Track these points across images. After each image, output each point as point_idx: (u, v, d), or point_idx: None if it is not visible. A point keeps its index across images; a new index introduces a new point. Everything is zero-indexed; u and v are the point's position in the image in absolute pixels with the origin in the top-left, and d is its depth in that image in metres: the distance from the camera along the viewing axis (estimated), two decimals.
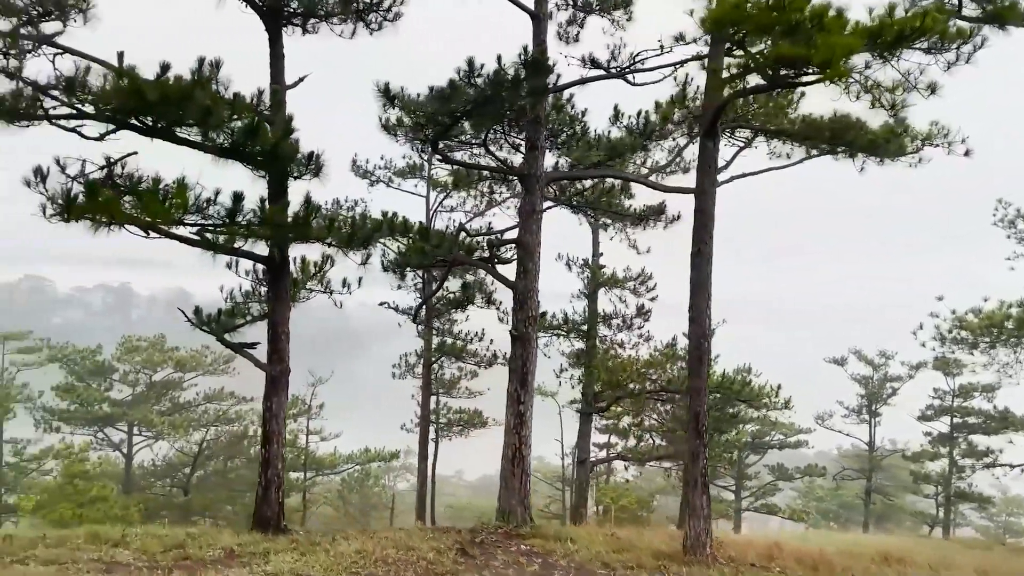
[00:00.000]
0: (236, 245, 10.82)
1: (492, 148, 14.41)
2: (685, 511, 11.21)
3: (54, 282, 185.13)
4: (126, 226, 9.14)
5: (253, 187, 10.84)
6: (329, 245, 10.65)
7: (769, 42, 8.99)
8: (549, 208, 23.12)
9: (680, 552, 10.77)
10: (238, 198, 9.03)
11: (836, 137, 12.69)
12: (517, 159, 15.13)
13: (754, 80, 10.62)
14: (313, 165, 10.15)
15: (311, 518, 42.08)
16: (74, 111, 9.23)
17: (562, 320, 24.93)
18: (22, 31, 9.43)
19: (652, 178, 17.07)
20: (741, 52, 10.07)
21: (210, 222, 9.57)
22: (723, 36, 10.53)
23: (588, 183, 18.88)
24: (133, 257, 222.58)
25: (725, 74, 10.95)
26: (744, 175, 14.73)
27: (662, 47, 12.71)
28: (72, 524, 30.45)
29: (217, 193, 9.22)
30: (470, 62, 10.94)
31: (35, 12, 9.53)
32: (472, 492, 74.10)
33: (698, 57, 13.24)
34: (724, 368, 26.06)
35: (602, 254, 26.05)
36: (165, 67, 8.96)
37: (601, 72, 13.35)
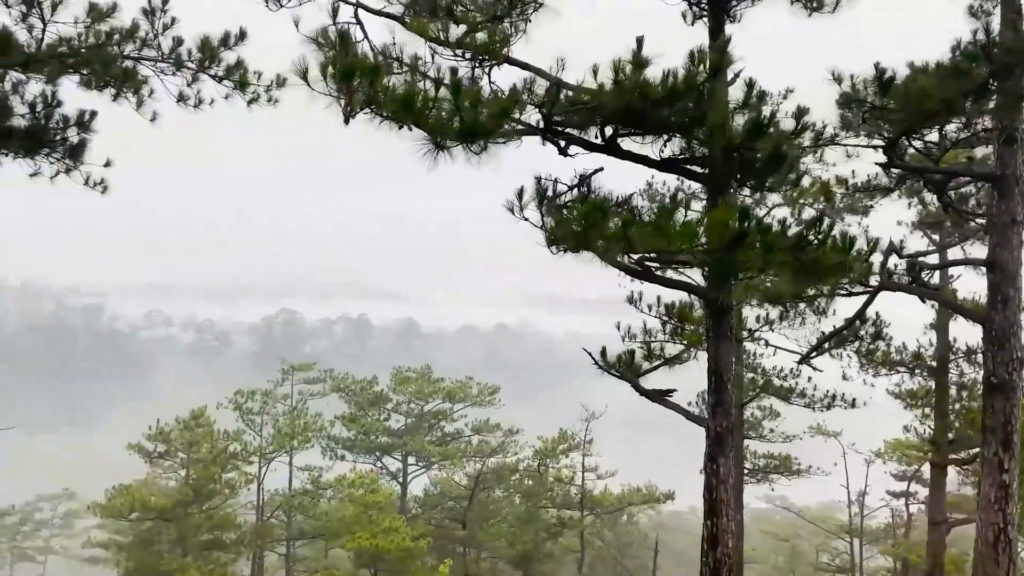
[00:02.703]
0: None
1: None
2: None
3: (303, 314, 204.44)
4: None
5: None
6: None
7: None
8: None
9: None
10: (746, 217, 7.14)
11: None
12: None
13: None
14: (793, 174, 8.10)
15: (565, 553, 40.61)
16: (518, 125, 7.95)
17: (912, 355, 21.05)
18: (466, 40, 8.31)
19: None
20: None
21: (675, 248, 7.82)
22: None
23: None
24: (367, 289, 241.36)
25: None
26: None
27: None
28: (366, 553, 31.25)
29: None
30: (986, 28, 8.39)
31: (482, 19, 8.41)
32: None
33: None
34: None
35: (954, 276, 21.94)
36: (642, 63, 7.38)
37: None
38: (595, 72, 7.81)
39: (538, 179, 7.25)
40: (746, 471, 26.35)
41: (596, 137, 8.49)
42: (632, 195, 7.33)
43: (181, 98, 9.68)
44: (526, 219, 7.08)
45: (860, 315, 12.75)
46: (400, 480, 40.30)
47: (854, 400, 21.09)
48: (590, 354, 10.72)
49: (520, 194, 7.12)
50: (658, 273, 9.12)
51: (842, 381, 21.91)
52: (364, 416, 39.65)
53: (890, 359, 21.26)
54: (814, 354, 15.09)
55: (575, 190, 7.59)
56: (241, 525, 33.69)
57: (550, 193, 7.32)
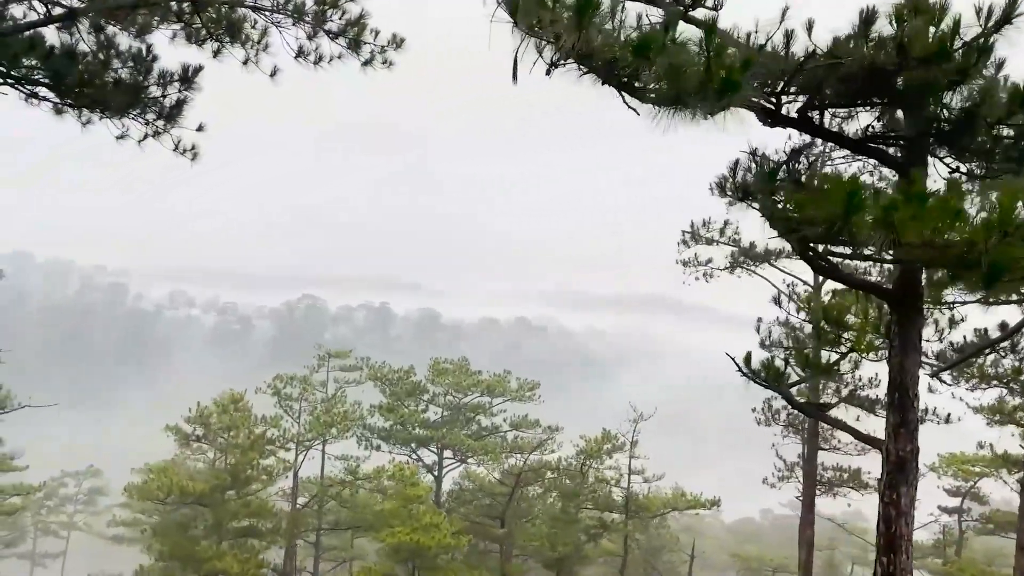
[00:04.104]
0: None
1: None
2: None
3: (326, 301, 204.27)
4: None
5: None
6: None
7: None
8: None
9: None
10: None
11: None
12: None
13: None
14: None
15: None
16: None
17: (1012, 369, 19.61)
18: None
19: None
20: None
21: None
22: None
23: None
24: (389, 280, 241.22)
25: None
26: None
27: None
28: (404, 548, 30.21)
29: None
30: None
31: None
32: (732, 536, 67.88)
33: None
34: None
35: None
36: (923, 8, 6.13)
37: None
38: (809, 28, 6.63)
39: (752, 153, 6.06)
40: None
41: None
42: (863, 175, 6.12)
43: (300, 53, 8.60)
44: (740, 199, 5.91)
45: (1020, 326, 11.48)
46: (435, 473, 39.27)
47: (948, 415, 19.72)
48: (733, 360, 9.52)
49: (734, 170, 5.94)
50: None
51: (927, 394, 20.59)
52: (401, 406, 38.65)
53: (986, 373, 19.89)
54: (948, 370, 13.77)
55: (785, 167, 6.39)
56: (276, 513, 32.82)
57: (758, 169, 6.12)
